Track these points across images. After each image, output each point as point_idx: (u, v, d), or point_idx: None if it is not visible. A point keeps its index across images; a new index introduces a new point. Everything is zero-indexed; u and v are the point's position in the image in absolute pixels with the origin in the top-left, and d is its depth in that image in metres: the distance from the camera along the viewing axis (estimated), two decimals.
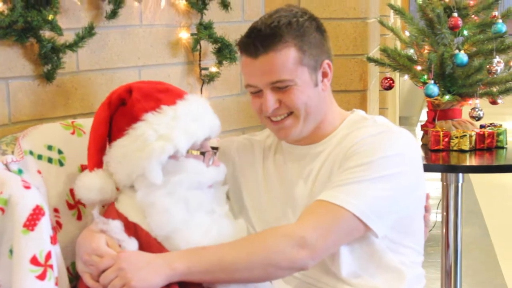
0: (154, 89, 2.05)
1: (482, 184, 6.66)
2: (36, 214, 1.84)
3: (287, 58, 1.99)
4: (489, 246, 5.35)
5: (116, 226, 1.95)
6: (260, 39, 1.99)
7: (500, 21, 3.38)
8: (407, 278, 2.04)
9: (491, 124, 3.46)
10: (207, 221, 2.00)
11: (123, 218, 1.98)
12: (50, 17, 2.20)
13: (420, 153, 2.28)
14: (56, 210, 2.10)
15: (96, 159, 2.04)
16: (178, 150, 1.96)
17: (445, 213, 3.40)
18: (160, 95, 2.03)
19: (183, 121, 1.99)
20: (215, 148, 2.10)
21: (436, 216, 4.60)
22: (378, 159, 1.96)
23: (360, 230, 1.95)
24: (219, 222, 2.02)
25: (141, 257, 1.89)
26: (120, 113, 2.03)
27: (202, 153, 2.03)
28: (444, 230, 3.41)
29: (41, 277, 1.82)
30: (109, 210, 2.03)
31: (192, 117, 2.01)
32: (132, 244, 1.94)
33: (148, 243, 1.95)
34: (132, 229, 1.97)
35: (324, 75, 2.07)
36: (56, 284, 1.86)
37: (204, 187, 2.02)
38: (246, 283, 1.96)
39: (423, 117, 8.16)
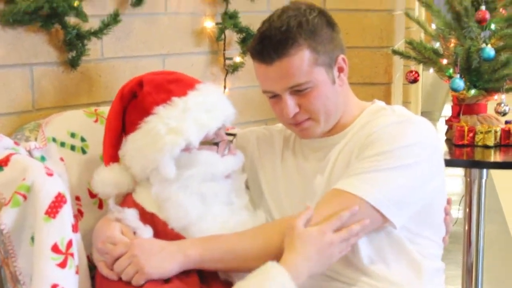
0: (165, 80, 2.02)
1: (504, 182, 6.61)
2: (58, 202, 1.84)
3: (302, 61, 1.94)
4: (510, 244, 5.32)
5: (131, 214, 1.95)
6: (273, 45, 1.94)
7: None
8: (426, 270, 2.00)
9: None
10: (225, 212, 1.99)
11: (139, 208, 1.97)
12: (76, 3, 2.20)
13: (441, 144, 2.23)
14: (77, 198, 2.10)
15: (111, 153, 2.03)
16: (190, 142, 1.94)
17: (467, 210, 3.36)
18: (171, 86, 2.00)
19: (194, 112, 1.96)
20: (233, 135, 2.07)
21: (458, 212, 4.57)
22: (397, 148, 1.93)
23: (378, 220, 1.91)
24: (238, 214, 2.01)
25: (154, 244, 1.88)
26: (132, 106, 2.02)
27: (216, 143, 2.01)
28: (466, 227, 3.36)
29: (62, 265, 1.82)
30: (126, 200, 2.02)
31: (204, 108, 1.98)
32: (147, 231, 1.93)
33: (165, 232, 1.94)
34: (149, 219, 1.96)
35: (340, 70, 2.03)
36: (77, 272, 1.86)
37: (219, 178, 2.00)
38: None
39: (445, 112, 8.10)
